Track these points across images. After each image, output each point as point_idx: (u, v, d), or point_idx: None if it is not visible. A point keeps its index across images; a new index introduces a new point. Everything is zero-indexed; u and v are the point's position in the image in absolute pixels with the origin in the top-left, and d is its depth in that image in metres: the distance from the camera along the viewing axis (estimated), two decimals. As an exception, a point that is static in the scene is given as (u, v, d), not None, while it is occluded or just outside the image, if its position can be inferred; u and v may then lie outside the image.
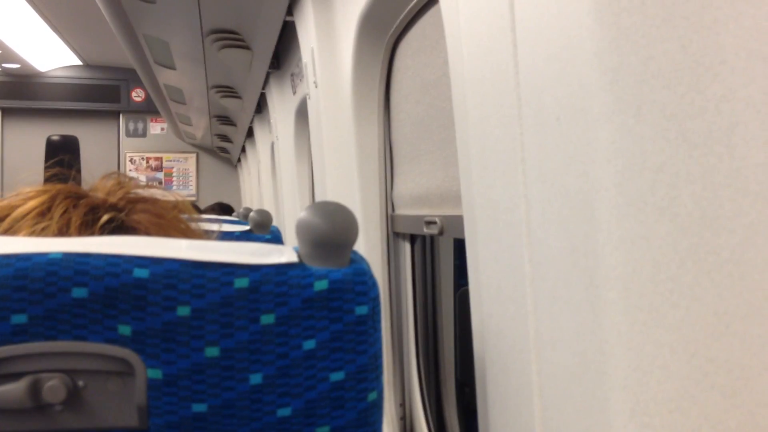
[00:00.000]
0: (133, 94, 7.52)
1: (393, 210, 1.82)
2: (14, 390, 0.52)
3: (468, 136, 0.88)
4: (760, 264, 0.59)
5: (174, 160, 7.89)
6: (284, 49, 2.94)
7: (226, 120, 5.29)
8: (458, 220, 1.11)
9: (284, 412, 0.56)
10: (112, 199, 0.75)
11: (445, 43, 0.98)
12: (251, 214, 1.45)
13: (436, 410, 1.74)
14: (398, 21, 1.60)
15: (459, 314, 1.71)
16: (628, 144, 0.59)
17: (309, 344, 0.57)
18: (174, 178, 7.90)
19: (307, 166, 3.29)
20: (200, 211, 3.91)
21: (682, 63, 0.59)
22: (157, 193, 0.82)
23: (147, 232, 0.72)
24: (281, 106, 3.37)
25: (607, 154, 0.59)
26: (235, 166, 7.76)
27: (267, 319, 0.56)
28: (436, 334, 1.77)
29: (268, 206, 4.73)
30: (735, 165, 0.59)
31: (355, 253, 0.60)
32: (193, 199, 7.57)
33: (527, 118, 0.71)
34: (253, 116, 4.63)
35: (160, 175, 7.87)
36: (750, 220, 0.59)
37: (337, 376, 0.57)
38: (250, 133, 5.38)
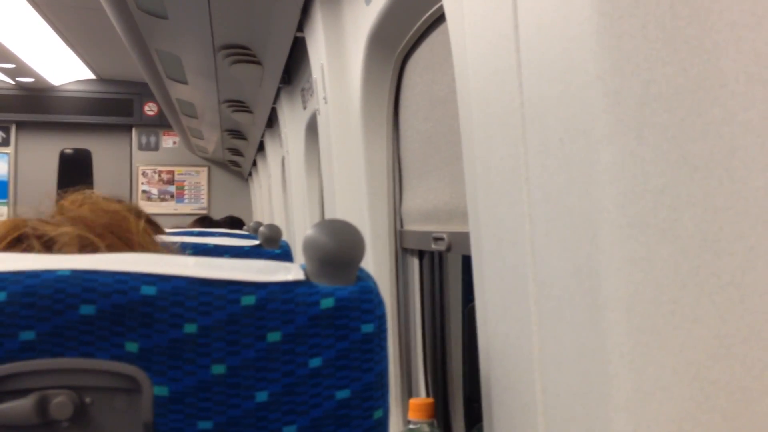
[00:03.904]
0: (146, 108, 7.55)
1: (402, 226, 1.82)
2: (21, 406, 0.53)
3: (474, 154, 0.88)
4: (760, 287, 0.60)
5: (186, 174, 7.91)
6: (295, 65, 2.95)
7: (237, 134, 5.30)
8: (465, 237, 1.11)
9: (290, 429, 0.57)
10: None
11: (453, 61, 0.99)
12: (261, 228, 1.45)
13: (445, 427, 1.74)
14: (407, 38, 1.61)
15: (467, 331, 1.71)
16: (629, 166, 0.59)
17: (315, 362, 0.57)
18: (186, 192, 7.92)
19: (317, 181, 3.29)
20: (214, 223, 3.90)
21: (682, 86, 0.59)
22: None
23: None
24: (292, 121, 3.38)
25: (609, 176, 0.60)
26: (246, 179, 7.77)
27: (273, 336, 0.56)
28: (445, 351, 1.76)
29: (279, 220, 4.73)
30: (735, 188, 0.59)
31: (361, 270, 0.61)
32: (205, 212, 7.57)
33: (531, 138, 0.72)
34: (264, 130, 4.64)
35: (172, 189, 7.89)
36: (750, 244, 0.59)
37: (342, 394, 0.57)
38: (261, 148, 5.39)
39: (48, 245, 0.70)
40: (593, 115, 0.61)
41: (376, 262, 1.80)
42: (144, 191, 7.76)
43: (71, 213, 0.74)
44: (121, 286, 0.54)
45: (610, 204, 0.60)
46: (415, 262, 1.79)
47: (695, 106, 0.59)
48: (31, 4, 4.55)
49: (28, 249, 0.70)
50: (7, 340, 0.53)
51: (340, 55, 1.93)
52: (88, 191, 0.80)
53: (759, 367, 0.60)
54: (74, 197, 0.78)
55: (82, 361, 0.54)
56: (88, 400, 0.54)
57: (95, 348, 0.54)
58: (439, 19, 1.42)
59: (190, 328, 0.55)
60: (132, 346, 0.54)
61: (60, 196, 0.78)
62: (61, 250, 0.69)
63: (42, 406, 0.53)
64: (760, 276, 0.59)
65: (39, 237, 0.70)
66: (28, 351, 0.54)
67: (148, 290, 0.55)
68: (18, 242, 0.71)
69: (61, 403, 0.53)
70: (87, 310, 0.54)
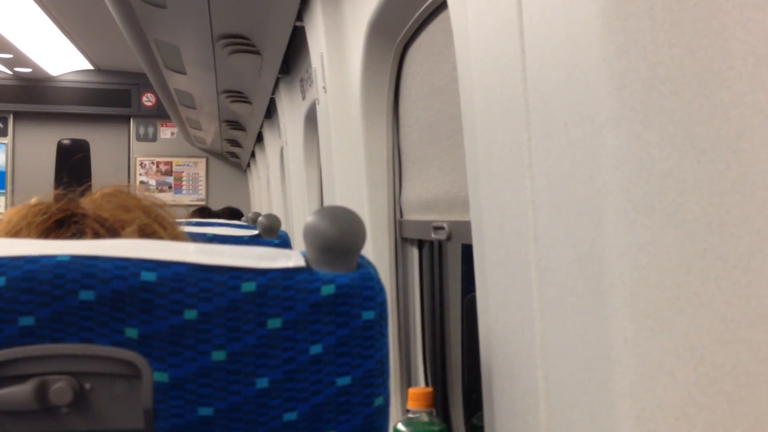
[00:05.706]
0: (144, 98, 7.53)
1: (401, 215, 1.82)
2: (21, 392, 0.53)
3: (476, 141, 0.88)
4: (767, 270, 0.59)
5: (184, 165, 7.90)
6: (294, 55, 2.94)
7: (235, 125, 5.30)
8: (466, 226, 1.10)
9: (290, 416, 0.56)
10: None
11: (454, 48, 0.98)
12: (260, 218, 1.45)
13: (443, 416, 1.74)
14: (407, 26, 1.60)
15: (466, 320, 1.71)
16: (635, 150, 0.59)
17: (316, 349, 0.57)
18: (183, 183, 7.91)
19: (316, 171, 3.29)
20: (213, 214, 3.90)
21: (689, 69, 0.58)
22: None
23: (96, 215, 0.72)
24: (291, 111, 3.38)
25: (615, 160, 0.59)
26: (245, 171, 7.77)
27: (274, 323, 0.56)
28: (444, 340, 1.76)
29: (277, 211, 4.73)
30: (742, 171, 0.59)
31: (362, 257, 0.60)
32: (203, 203, 7.57)
33: (535, 123, 0.71)
34: (263, 121, 4.64)
35: (170, 180, 7.88)
36: (757, 227, 0.59)
37: (343, 380, 0.57)
38: (259, 138, 5.38)
39: (112, 230, 0.70)
40: (598, 98, 0.60)
41: (376, 252, 1.80)
42: (142, 182, 7.74)
43: (114, 202, 0.75)
44: (121, 271, 0.54)
45: (615, 188, 0.59)
46: (414, 252, 1.79)
47: (702, 88, 0.59)
48: (28, -7, 4.53)
49: (80, 233, 0.70)
50: (6, 326, 0.53)
51: (339, 44, 1.92)
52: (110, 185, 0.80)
53: (765, 351, 0.59)
54: (105, 191, 0.78)
55: (82, 347, 0.54)
56: (87, 386, 0.54)
57: (95, 334, 0.54)
58: (440, 6, 1.41)
59: (191, 314, 0.54)
60: (132, 332, 0.54)
61: (62, 188, 0.78)
62: (126, 235, 0.70)
63: (41, 391, 0.53)
64: (766, 260, 0.59)
65: (100, 220, 0.71)
66: (27, 336, 0.53)
67: (148, 276, 0.54)
68: (62, 224, 0.71)
69: (60, 388, 0.53)
70: (87, 295, 0.53)
